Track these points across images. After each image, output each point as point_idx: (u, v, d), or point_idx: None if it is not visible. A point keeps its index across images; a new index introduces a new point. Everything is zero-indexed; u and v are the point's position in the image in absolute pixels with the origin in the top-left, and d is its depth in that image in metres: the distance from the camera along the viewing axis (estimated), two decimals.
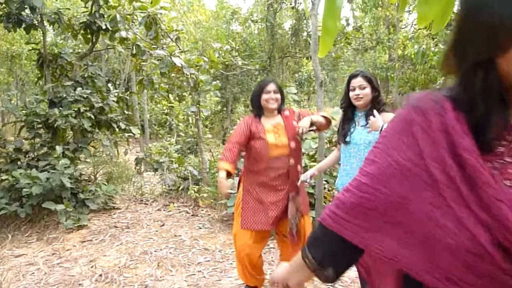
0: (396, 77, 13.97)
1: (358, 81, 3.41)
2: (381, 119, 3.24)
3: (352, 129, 3.46)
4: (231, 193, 4.35)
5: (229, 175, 3.69)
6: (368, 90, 3.38)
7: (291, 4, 15.53)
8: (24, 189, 6.04)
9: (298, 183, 3.73)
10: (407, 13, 16.83)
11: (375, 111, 3.32)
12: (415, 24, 15.70)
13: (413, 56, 9.45)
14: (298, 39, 15.83)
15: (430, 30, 12.34)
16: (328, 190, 6.14)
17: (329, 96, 26.90)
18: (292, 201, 3.75)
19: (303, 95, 24.21)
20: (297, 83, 20.78)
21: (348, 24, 15.35)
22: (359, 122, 3.45)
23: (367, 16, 16.46)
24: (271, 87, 3.81)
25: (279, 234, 4.00)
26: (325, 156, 5.74)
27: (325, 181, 5.78)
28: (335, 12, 1.13)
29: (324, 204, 5.36)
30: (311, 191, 5.64)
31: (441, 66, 1.09)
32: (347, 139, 3.45)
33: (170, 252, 5.32)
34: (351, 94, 3.45)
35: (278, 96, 3.82)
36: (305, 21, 15.47)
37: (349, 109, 3.54)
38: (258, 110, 3.88)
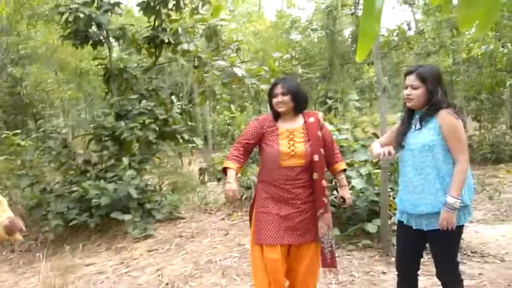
0: (461, 81, 13.60)
1: (411, 79, 3.03)
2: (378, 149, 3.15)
3: (407, 133, 3.12)
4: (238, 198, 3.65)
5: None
6: (420, 91, 2.98)
7: (350, 10, 15.44)
8: (93, 200, 6.23)
9: (327, 194, 3.41)
10: None
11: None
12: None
13: (480, 56, 9.16)
14: None
15: (497, 32, 11.98)
16: (393, 198, 6.00)
17: (392, 102, 26.39)
18: (322, 220, 3.35)
19: (365, 101, 23.94)
20: (358, 90, 20.59)
21: (409, 29, 15.09)
22: (415, 125, 3.08)
23: (429, 19, 16.14)
24: (278, 89, 3.40)
25: (291, 270, 3.47)
26: (390, 164, 5.63)
27: (390, 188, 5.64)
28: (375, 14, 1.08)
29: (389, 212, 5.24)
30: (376, 198, 5.53)
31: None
32: (402, 142, 3.11)
33: (234, 261, 5.33)
34: (403, 93, 3.11)
35: (286, 98, 3.36)
36: None
37: (406, 109, 3.18)
38: (274, 113, 3.49)
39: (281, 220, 3.33)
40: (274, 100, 3.41)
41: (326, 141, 3.48)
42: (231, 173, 3.39)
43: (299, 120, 3.47)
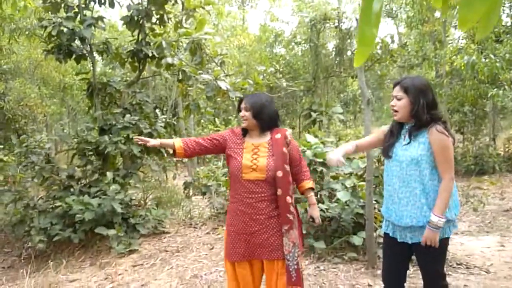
0: (444, 94, 13.71)
1: (396, 90, 3.09)
2: (338, 155, 3.24)
3: (396, 144, 3.15)
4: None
5: (174, 154, 3.57)
6: (404, 102, 3.02)
7: (334, 24, 15.54)
8: (77, 215, 6.17)
9: (292, 210, 3.39)
10: (453, 28, 16.59)
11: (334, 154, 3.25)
12: (462, 39, 15.44)
13: (462, 67, 9.25)
14: (342, 59, 15.79)
15: (479, 44, 12.10)
16: (378, 210, 6.00)
17: (376, 115, 26.57)
18: (287, 236, 3.34)
19: (349, 114, 24.05)
20: (342, 103, 20.67)
21: (393, 41, 15.20)
22: (405, 137, 3.10)
23: (412, 32, 16.29)
24: (242, 104, 3.50)
25: (270, 286, 3.47)
26: (375, 176, 5.64)
27: (375, 200, 5.65)
28: (373, 18, 1.07)
29: (375, 225, 5.24)
30: (361, 211, 5.53)
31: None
32: (390, 153, 3.14)
33: (220, 276, 5.30)
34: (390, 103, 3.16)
35: (248, 114, 3.43)
36: (348, 40, 15.44)
37: (396, 121, 3.21)
38: (243, 128, 3.57)
39: (249, 237, 3.40)
40: (240, 114, 3.51)
41: (293, 158, 3.52)
42: (166, 140, 3.80)
43: (266, 136, 3.52)
